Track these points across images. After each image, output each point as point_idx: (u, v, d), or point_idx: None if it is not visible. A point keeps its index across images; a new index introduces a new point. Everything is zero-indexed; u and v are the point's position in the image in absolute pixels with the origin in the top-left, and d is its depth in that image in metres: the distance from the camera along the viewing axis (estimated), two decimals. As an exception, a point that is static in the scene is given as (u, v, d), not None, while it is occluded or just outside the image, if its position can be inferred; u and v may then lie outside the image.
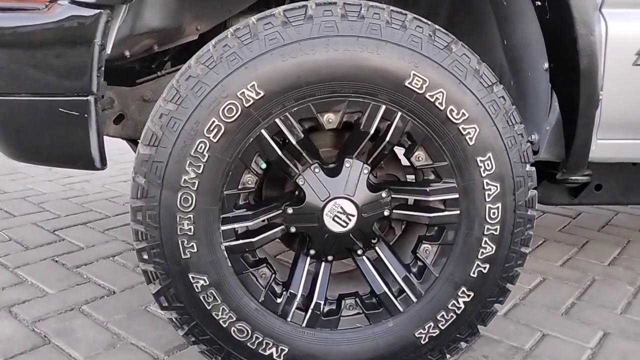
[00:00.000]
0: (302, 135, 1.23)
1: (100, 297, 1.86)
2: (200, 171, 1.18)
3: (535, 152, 1.45)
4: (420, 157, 1.28)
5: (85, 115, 1.25)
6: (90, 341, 1.60)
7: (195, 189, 1.18)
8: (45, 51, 1.24)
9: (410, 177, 1.46)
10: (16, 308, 1.77)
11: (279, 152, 1.23)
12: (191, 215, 1.20)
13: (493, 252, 1.28)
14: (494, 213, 1.26)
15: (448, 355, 1.37)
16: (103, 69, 1.23)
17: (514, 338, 1.65)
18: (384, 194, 1.31)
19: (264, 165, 1.26)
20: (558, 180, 1.51)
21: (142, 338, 1.62)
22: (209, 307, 1.25)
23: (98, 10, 1.19)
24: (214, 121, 1.16)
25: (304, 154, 1.26)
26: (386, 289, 1.33)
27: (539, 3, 1.31)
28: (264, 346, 1.29)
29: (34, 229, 2.50)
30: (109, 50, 1.25)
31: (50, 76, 1.25)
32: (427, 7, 1.79)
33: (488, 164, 1.23)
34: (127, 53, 1.55)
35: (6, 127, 1.34)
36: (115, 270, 2.07)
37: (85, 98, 1.24)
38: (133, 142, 1.91)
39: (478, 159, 1.23)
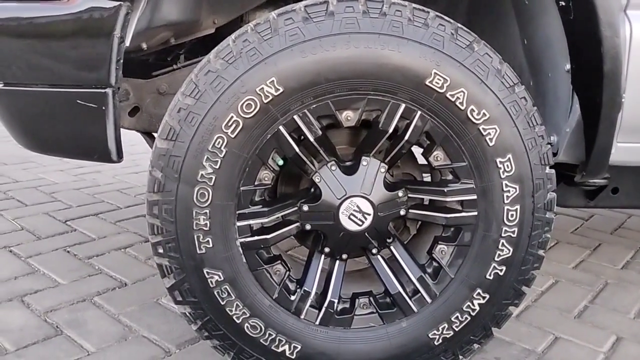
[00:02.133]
0: (320, 133, 1.22)
1: (112, 288, 1.86)
2: (217, 166, 1.17)
3: (554, 154, 1.43)
4: (438, 157, 1.26)
5: (103, 108, 1.25)
6: (102, 333, 1.60)
7: (212, 184, 1.18)
8: (65, 42, 1.24)
9: (426, 176, 1.45)
10: (28, 298, 1.78)
11: (297, 149, 1.22)
12: (207, 211, 1.19)
13: (510, 254, 1.27)
14: (512, 215, 1.24)
15: (461, 357, 1.36)
16: (122, 61, 1.23)
17: (526, 340, 1.64)
18: (400, 193, 1.30)
19: (280, 162, 1.25)
20: (576, 182, 1.50)
21: (153, 331, 1.62)
22: (223, 303, 1.24)
23: (118, 3, 1.19)
24: (232, 116, 1.15)
25: (321, 151, 1.25)
26: (400, 289, 1.33)
27: (563, 3, 1.29)
28: (276, 343, 1.28)
29: (46, 218, 2.51)
30: (127, 43, 1.25)
31: (69, 67, 1.25)
32: (446, 4, 1.77)
33: (508, 166, 1.22)
34: (144, 45, 1.55)
35: (23, 117, 1.34)
36: (126, 262, 2.07)
37: (103, 90, 1.24)
38: (147, 134, 1.91)
39: (498, 160, 1.22)
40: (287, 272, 1.33)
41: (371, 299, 1.37)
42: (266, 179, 1.26)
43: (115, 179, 3.24)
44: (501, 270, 1.28)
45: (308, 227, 1.29)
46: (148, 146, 2.04)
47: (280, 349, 1.29)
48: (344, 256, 1.35)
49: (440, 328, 1.31)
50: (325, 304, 1.32)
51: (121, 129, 1.54)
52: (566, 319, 1.78)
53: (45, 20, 1.23)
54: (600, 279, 2.09)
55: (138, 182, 3.16)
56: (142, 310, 1.73)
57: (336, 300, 1.33)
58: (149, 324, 1.65)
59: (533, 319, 1.77)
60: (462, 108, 1.19)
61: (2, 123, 1.38)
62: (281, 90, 1.15)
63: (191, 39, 1.73)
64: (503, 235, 1.26)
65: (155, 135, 1.91)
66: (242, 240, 1.25)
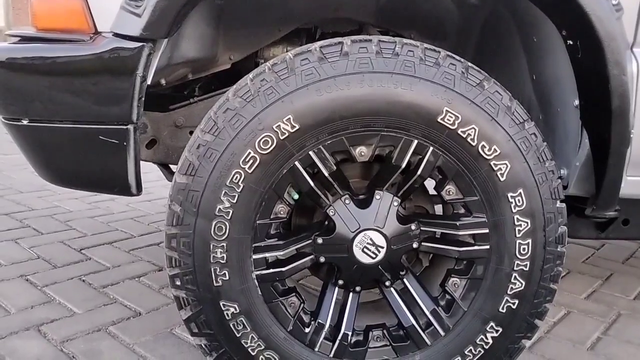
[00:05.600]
0: (334, 168, 1.25)
1: (127, 318, 1.88)
2: (234, 201, 1.20)
3: (564, 187, 1.46)
4: (450, 191, 1.29)
5: (124, 143, 1.29)
6: (117, 363, 1.62)
7: (229, 218, 1.21)
8: (88, 81, 1.28)
9: (437, 207, 1.47)
10: (45, 327, 1.80)
11: (312, 184, 1.25)
12: (224, 244, 1.22)
13: (522, 287, 1.28)
14: (524, 249, 1.26)
15: (474, 390, 1.36)
16: (143, 99, 1.27)
17: (539, 373, 1.64)
18: (413, 227, 1.32)
19: (296, 196, 1.28)
20: (586, 215, 1.51)
21: (167, 361, 1.64)
22: (238, 335, 1.26)
23: (141, 44, 1.24)
24: (249, 152, 1.19)
25: (335, 185, 1.28)
26: (414, 322, 1.34)
27: (571, 42, 1.32)
28: (291, 375, 1.30)
29: (61, 247, 2.54)
30: (149, 81, 1.29)
31: (92, 105, 1.29)
32: (456, 41, 1.81)
33: (519, 200, 1.24)
34: (163, 81, 1.60)
35: (46, 152, 1.38)
36: (140, 291, 2.09)
37: (125, 127, 1.28)
38: (164, 166, 1.95)
39: (509, 194, 1.24)
40: (302, 304, 1.35)
41: (385, 331, 1.38)
42: (282, 212, 1.29)
43: (128, 207, 3.28)
44: (514, 303, 1.29)
45: (322, 259, 1.31)
46: (163, 175, 2.09)
47: (295, 381, 1.30)
48: (358, 288, 1.36)
49: (453, 361, 1.32)
50: (339, 337, 1.33)
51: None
52: (579, 351, 1.78)
53: (70, 59, 1.28)
54: (613, 309, 2.08)
55: (151, 210, 3.20)
56: (157, 341, 1.74)
57: (350, 333, 1.34)
58: (163, 355, 1.67)
59: (546, 350, 1.77)
60: (474, 144, 1.22)
61: (26, 157, 1.43)
62: (297, 127, 1.18)
63: (207, 74, 1.79)
64: (515, 268, 1.27)
65: (171, 167, 1.97)
66: (258, 272, 1.27)
